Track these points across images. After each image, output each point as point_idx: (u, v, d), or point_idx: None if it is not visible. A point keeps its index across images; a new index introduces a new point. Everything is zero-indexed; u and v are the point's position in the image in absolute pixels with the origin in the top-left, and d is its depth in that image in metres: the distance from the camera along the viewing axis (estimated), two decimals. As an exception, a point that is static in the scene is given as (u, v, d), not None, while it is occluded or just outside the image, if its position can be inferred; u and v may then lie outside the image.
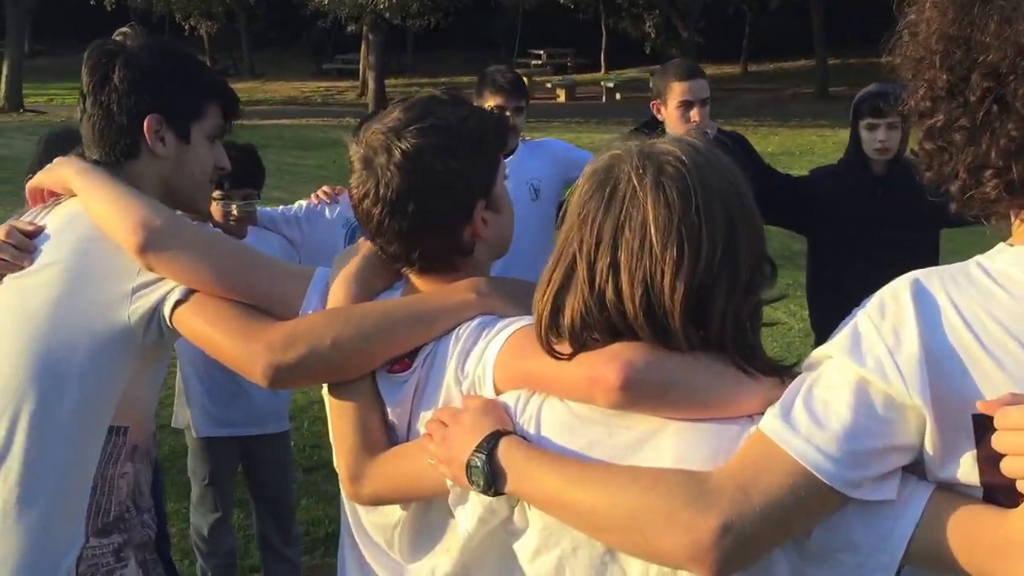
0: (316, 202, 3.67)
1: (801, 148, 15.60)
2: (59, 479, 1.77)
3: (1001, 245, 1.18)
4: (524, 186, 3.89)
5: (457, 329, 1.52)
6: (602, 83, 25.39)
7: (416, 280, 1.63)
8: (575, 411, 1.33)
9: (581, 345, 1.30)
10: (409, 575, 1.57)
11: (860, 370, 1.13)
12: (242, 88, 28.32)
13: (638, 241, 1.24)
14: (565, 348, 1.32)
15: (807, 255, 4.17)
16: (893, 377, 1.11)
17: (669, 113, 3.78)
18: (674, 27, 21.74)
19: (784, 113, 21.21)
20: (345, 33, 22.68)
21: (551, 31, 29.51)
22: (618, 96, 24.42)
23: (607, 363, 1.26)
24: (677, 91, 3.73)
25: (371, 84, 21.98)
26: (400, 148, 1.50)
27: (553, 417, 1.35)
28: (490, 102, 3.87)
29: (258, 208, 3.63)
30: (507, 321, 1.48)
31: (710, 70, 30.46)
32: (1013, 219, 1.19)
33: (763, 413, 1.21)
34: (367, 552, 1.64)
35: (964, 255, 1.20)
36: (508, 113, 3.82)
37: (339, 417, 1.59)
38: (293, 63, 32.45)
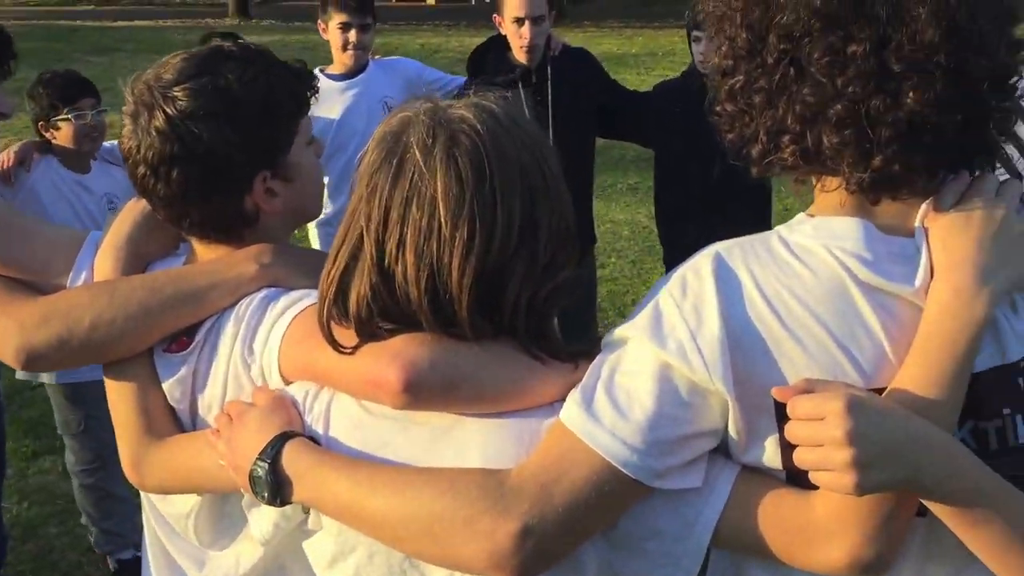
0: None
1: (663, 49, 15.73)
2: None
3: (801, 216, 1.16)
4: (378, 104, 3.89)
5: (239, 305, 1.39)
6: (471, -17, 24.97)
7: (198, 246, 1.48)
8: (366, 406, 1.24)
9: (368, 335, 1.20)
10: (212, 562, 1.47)
11: (661, 354, 1.09)
12: (92, -13, 26.94)
13: (426, 219, 1.14)
14: (350, 337, 1.21)
15: (654, 167, 4.29)
16: (695, 362, 1.08)
17: (506, 28, 3.70)
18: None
19: (648, 13, 21.37)
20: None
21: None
22: (487, -3, 24.08)
23: (388, 364, 1.16)
24: (511, 6, 3.63)
25: (231, -18, 21.04)
26: (164, 111, 1.35)
27: (343, 413, 1.25)
28: (335, 20, 3.83)
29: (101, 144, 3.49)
30: (294, 296, 1.37)
31: None
32: (815, 185, 1.16)
33: (562, 400, 1.16)
34: (164, 536, 1.53)
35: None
36: (354, 30, 3.81)
37: (117, 399, 1.46)
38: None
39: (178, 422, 1.44)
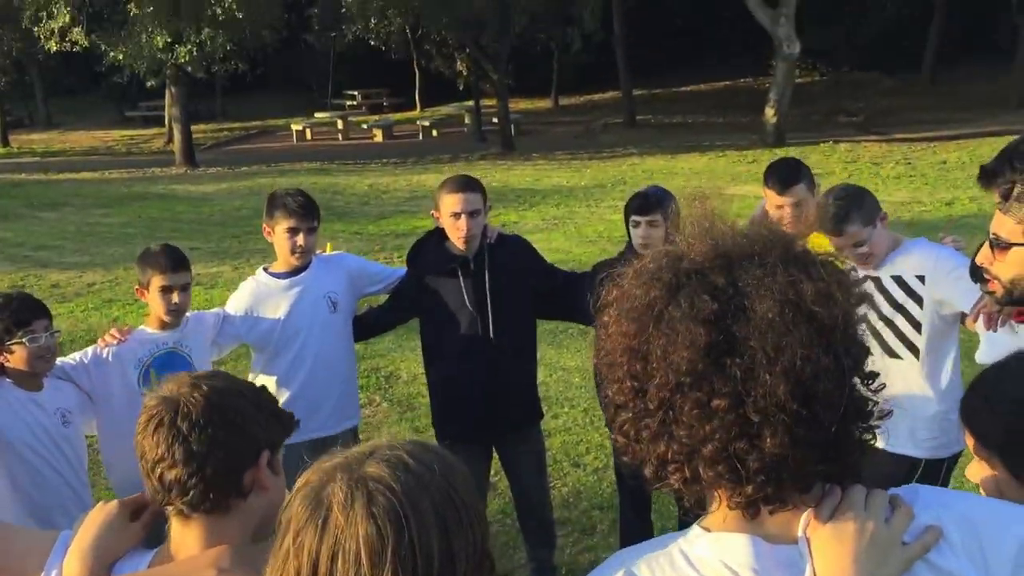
0: (103, 346, 3.68)
1: (612, 180, 16.08)
2: None
3: (697, 529, 1.30)
4: (323, 300, 4.05)
5: None
6: (418, 121, 25.56)
7: (177, 524, 1.66)
8: None
9: None
10: None
11: None
12: (39, 140, 27.13)
13: (352, 572, 1.25)
14: None
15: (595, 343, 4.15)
16: None
17: (444, 222, 3.90)
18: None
19: (595, 144, 21.87)
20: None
21: (364, 71, 29.48)
22: (435, 133, 24.64)
23: None
24: (448, 203, 3.86)
25: (177, 135, 21.15)
26: (198, 396, 1.63)
27: None
28: (283, 224, 3.95)
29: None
30: None
31: (523, 105, 30.86)
32: (710, 500, 1.30)
33: None
34: None
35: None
36: (302, 234, 3.96)
37: None
38: (93, 110, 31.09)
39: None
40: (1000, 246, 2.21)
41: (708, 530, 1.29)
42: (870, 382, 1.27)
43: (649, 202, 3.87)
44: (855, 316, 1.23)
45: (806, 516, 1.25)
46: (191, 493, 1.60)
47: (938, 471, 3.54)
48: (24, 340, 3.33)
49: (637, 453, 1.28)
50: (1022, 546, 1.25)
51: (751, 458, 1.19)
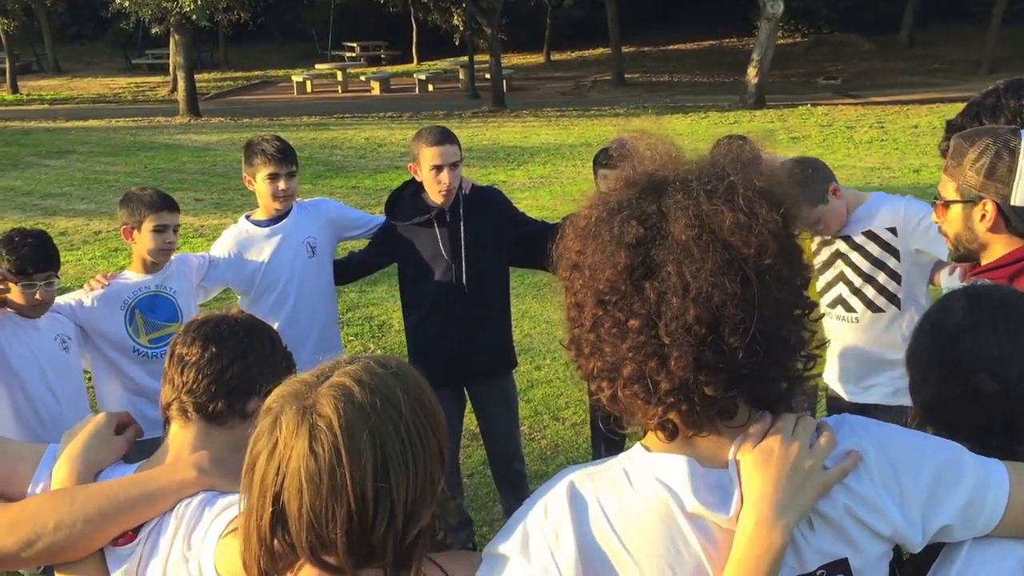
0: (88, 291, 3.82)
1: (599, 139, 16.19)
2: None
3: (640, 448, 1.36)
4: (302, 245, 4.15)
5: (178, 506, 1.62)
6: (415, 75, 25.80)
7: (177, 425, 1.74)
8: None
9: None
10: None
11: (529, 568, 1.31)
12: (47, 86, 27.30)
13: (296, 487, 1.33)
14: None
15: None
16: None
17: (424, 176, 3.99)
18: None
19: (584, 101, 22.20)
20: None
21: (363, 24, 29.83)
22: (430, 88, 24.94)
23: None
24: (428, 156, 3.94)
25: (181, 83, 21.48)
26: (243, 314, 1.82)
27: None
28: (263, 171, 4.03)
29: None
30: (228, 500, 1.59)
31: (516, 60, 30.72)
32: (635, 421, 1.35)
33: None
34: None
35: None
36: (282, 179, 4.04)
37: None
38: (101, 58, 31.42)
39: None
40: (941, 204, 2.24)
41: (649, 449, 1.34)
42: (804, 313, 1.30)
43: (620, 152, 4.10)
44: (772, 248, 1.22)
45: (737, 442, 1.29)
46: (202, 391, 1.69)
47: None
48: (20, 286, 3.48)
49: (581, 367, 1.34)
50: (937, 474, 1.31)
51: (661, 379, 1.23)
